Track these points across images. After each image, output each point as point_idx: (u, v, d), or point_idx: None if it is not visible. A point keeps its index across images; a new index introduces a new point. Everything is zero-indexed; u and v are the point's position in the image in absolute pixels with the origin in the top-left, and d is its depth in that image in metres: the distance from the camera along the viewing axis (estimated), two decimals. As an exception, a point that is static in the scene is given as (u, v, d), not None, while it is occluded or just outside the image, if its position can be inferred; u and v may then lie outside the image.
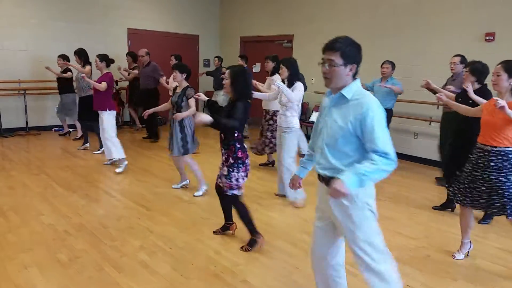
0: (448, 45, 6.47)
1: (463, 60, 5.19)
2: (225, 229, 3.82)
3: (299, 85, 4.56)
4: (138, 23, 9.45)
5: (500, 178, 3.13)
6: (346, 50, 2.00)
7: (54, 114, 8.46)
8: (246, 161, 3.44)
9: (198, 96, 4.09)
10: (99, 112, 5.73)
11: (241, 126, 3.39)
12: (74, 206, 4.39)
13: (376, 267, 2.16)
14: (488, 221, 4.37)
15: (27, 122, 8.21)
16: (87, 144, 6.93)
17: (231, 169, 3.41)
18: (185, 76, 4.73)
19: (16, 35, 7.95)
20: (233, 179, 3.41)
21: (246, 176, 3.48)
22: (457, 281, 3.15)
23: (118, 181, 5.38)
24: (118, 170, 5.68)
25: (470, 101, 3.88)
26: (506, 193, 3.12)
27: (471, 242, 3.57)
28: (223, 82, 3.45)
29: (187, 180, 5.15)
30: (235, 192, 3.45)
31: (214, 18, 10.80)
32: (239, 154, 3.38)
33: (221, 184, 3.54)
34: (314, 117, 7.93)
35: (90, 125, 6.65)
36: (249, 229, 3.54)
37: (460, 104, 3.73)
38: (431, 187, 5.69)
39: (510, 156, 3.13)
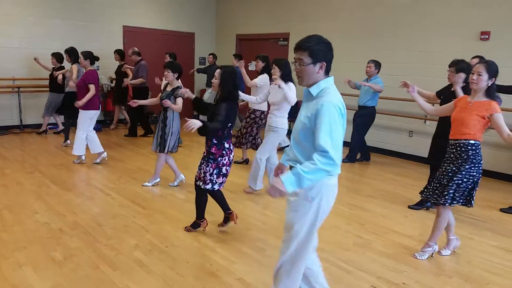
0: (444, 44, 6.49)
1: (481, 61, 5.17)
2: (227, 220, 3.84)
3: (291, 85, 4.60)
4: (134, 21, 9.41)
5: (466, 168, 3.20)
6: (314, 49, 2.05)
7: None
8: (218, 159, 3.49)
9: (186, 92, 3.98)
10: (80, 110, 5.77)
11: (224, 125, 3.43)
12: (69, 205, 4.36)
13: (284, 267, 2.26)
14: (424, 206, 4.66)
15: (21, 120, 8.16)
16: (68, 141, 6.98)
17: (202, 161, 3.56)
18: (176, 76, 4.71)
19: (12, 32, 7.88)
20: (201, 171, 3.55)
21: (219, 175, 3.54)
22: (452, 278, 3.17)
23: (113, 179, 5.36)
24: (76, 161, 5.94)
25: (453, 99, 3.82)
26: (473, 185, 3.24)
27: (457, 239, 3.59)
28: (212, 80, 3.50)
29: (182, 176, 5.15)
30: (205, 186, 3.54)
31: (210, 16, 10.77)
32: (213, 150, 3.48)
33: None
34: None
35: (72, 122, 6.67)
36: (198, 214, 3.77)
37: (422, 101, 3.64)
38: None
39: (478, 148, 3.22)
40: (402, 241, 3.80)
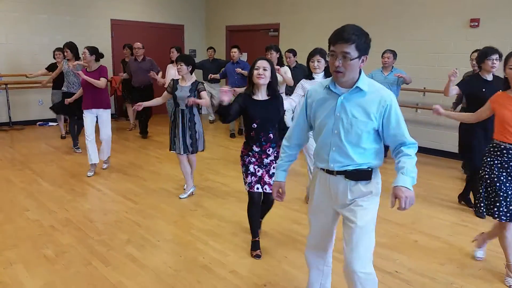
0: (434, 32, 6.49)
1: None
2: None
3: None
4: (121, 14, 9.28)
5: None
6: (360, 41, 1.92)
7: (38, 109, 8.38)
8: None
9: (234, 90, 3.45)
10: (99, 110, 5.25)
11: None
12: (60, 201, 4.33)
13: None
14: None
15: (10, 117, 8.06)
16: (80, 150, 6.46)
17: (271, 166, 3.18)
18: (190, 69, 4.36)
19: (-4, 28, 7.76)
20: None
21: None
22: (444, 265, 3.19)
23: (105, 175, 5.32)
24: (105, 166, 5.56)
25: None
26: None
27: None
28: (260, 72, 3.04)
29: (194, 187, 4.66)
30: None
31: (199, 7, 10.67)
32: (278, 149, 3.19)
33: (266, 190, 3.19)
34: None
35: (80, 122, 6.37)
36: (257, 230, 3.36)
37: (460, 114, 3.40)
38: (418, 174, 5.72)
39: None
40: (395, 229, 3.81)
